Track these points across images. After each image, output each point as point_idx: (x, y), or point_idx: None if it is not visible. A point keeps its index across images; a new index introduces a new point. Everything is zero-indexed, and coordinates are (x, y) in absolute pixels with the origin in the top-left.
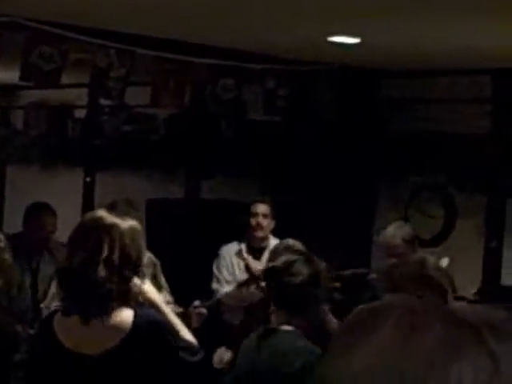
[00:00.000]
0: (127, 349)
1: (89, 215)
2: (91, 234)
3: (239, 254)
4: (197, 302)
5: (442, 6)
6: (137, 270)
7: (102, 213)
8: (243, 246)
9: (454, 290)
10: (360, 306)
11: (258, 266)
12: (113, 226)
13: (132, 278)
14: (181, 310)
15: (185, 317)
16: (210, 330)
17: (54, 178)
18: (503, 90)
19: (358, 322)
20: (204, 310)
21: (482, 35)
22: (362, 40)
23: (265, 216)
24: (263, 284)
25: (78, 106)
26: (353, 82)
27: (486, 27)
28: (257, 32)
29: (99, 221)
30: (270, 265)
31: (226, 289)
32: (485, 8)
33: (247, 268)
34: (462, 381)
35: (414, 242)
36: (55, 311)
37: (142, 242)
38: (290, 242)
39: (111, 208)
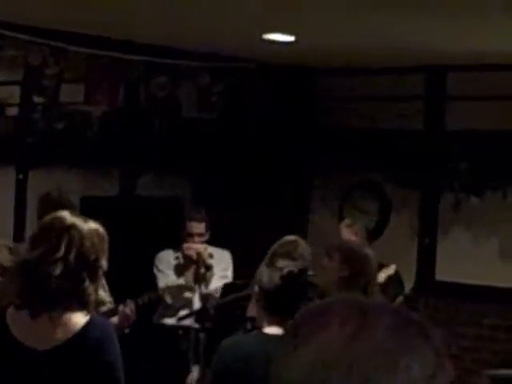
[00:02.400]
0: (71, 350)
1: (52, 215)
2: (51, 232)
3: (177, 259)
4: (129, 301)
5: (376, 4)
6: (94, 272)
7: (65, 213)
8: (179, 255)
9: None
10: (306, 306)
11: (199, 246)
12: (73, 227)
13: (87, 279)
14: (106, 309)
15: (113, 314)
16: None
17: None
18: (435, 88)
19: (306, 321)
20: (128, 312)
21: (415, 34)
22: (297, 38)
23: (200, 235)
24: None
25: (9, 103)
26: (288, 80)
27: (420, 26)
28: (191, 29)
29: (60, 220)
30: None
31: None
32: (418, 7)
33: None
34: (410, 374)
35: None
36: (7, 306)
37: (104, 245)
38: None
39: (45, 199)
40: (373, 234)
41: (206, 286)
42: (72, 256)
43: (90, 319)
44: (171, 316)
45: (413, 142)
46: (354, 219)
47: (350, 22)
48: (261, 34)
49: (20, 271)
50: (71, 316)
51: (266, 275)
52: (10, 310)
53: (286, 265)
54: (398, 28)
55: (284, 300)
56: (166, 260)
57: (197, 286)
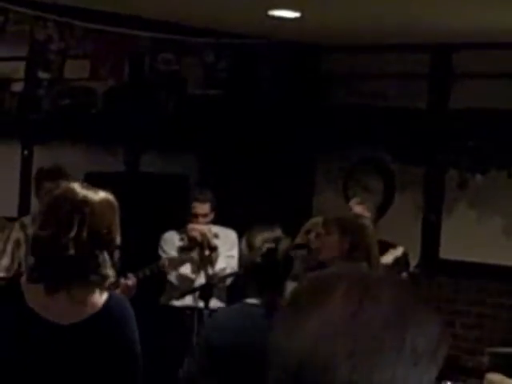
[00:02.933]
0: (93, 327)
1: (61, 187)
2: (61, 208)
3: (182, 240)
4: (129, 275)
5: None
6: (107, 247)
7: (73, 186)
8: (184, 237)
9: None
10: (307, 277)
11: (204, 227)
12: (83, 201)
13: (100, 255)
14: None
15: (115, 287)
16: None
17: None
18: (441, 66)
19: (308, 293)
20: (130, 282)
21: (421, 11)
22: (303, 14)
23: (204, 216)
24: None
25: (14, 79)
26: (293, 56)
27: (426, 3)
28: (197, 5)
29: (69, 195)
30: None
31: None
32: None
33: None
34: (417, 349)
35: None
36: (17, 276)
37: (115, 217)
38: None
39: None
40: (378, 212)
41: (212, 266)
42: (84, 234)
43: (110, 296)
44: (178, 297)
45: (418, 120)
46: (359, 197)
47: None
48: (266, 10)
49: (34, 248)
50: (90, 293)
51: (245, 252)
52: (24, 282)
53: (265, 237)
54: (405, 5)
55: (262, 276)
56: (171, 241)
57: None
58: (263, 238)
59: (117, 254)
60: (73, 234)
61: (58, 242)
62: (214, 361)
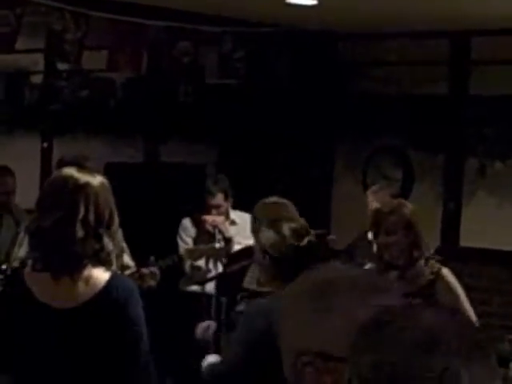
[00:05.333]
0: (96, 306)
1: (58, 174)
2: (64, 193)
3: (196, 229)
4: (151, 258)
5: None
6: (110, 227)
7: (71, 171)
8: (196, 230)
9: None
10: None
11: (216, 219)
12: (87, 185)
13: (105, 236)
14: (133, 270)
15: (139, 277)
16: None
17: (11, 144)
18: (460, 53)
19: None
20: (155, 270)
21: None
22: (320, 1)
23: (217, 207)
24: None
25: (34, 71)
26: (310, 44)
27: None
28: None
29: (72, 180)
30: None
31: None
32: None
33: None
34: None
35: None
36: (21, 267)
37: (111, 198)
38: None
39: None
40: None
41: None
42: (91, 215)
43: (112, 276)
44: (196, 283)
45: (437, 107)
46: (377, 185)
47: None
48: None
49: (35, 238)
50: (93, 274)
51: (272, 241)
52: (28, 272)
53: (293, 228)
54: None
55: (294, 268)
56: (187, 228)
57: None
58: (293, 228)
59: (120, 236)
60: (81, 216)
61: (65, 226)
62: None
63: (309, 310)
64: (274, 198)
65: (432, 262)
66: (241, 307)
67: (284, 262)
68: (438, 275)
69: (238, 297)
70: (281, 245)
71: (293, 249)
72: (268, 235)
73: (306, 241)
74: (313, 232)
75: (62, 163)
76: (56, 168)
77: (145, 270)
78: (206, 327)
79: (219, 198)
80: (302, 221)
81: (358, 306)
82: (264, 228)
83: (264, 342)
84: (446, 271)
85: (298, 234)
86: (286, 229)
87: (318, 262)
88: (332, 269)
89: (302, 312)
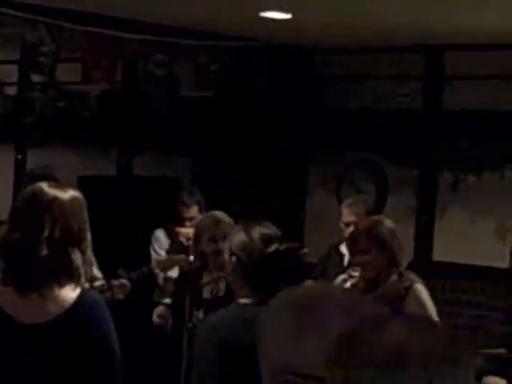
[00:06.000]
0: (64, 324)
1: (29, 188)
2: (31, 209)
3: (170, 240)
4: (120, 271)
5: None
6: (79, 243)
7: (41, 186)
8: (171, 241)
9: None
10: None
11: (190, 231)
12: (54, 200)
13: (73, 252)
14: (99, 284)
15: (108, 289)
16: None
17: None
18: (433, 67)
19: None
20: (125, 282)
21: (414, 12)
22: (294, 15)
23: (191, 219)
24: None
25: (8, 82)
26: (286, 58)
27: (418, 4)
28: (189, 7)
29: (39, 195)
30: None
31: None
32: None
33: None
34: None
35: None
36: None
37: (84, 213)
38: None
39: (30, 175)
40: (371, 213)
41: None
42: (57, 232)
43: (81, 293)
44: (171, 296)
45: (411, 121)
46: (351, 199)
47: (347, 0)
48: (258, 12)
49: (4, 251)
50: (61, 291)
51: (241, 243)
52: None
53: (264, 233)
54: (397, 6)
55: (260, 273)
56: (160, 240)
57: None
58: (264, 234)
59: (89, 250)
60: (46, 233)
61: (30, 242)
62: (230, 358)
63: (291, 327)
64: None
65: (411, 276)
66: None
67: (249, 266)
68: (409, 290)
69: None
70: (248, 247)
71: (258, 253)
72: (238, 237)
73: (273, 248)
74: (285, 245)
75: (31, 176)
76: (25, 180)
77: (115, 282)
78: (160, 312)
79: (194, 211)
80: (276, 230)
81: (339, 324)
82: (236, 230)
83: (230, 351)
84: (418, 286)
85: (267, 239)
86: (257, 233)
87: (288, 274)
88: (313, 287)
89: (285, 328)
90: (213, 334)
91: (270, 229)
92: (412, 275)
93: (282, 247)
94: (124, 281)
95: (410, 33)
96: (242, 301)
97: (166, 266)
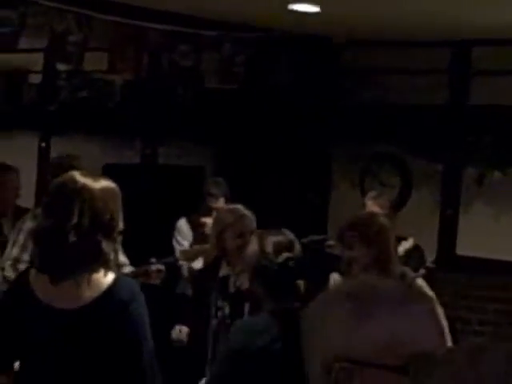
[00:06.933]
0: (99, 308)
1: (62, 177)
2: (61, 197)
3: (193, 230)
4: (153, 260)
5: None
6: (110, 232)
7: (73, 174)
8: (194, 233)
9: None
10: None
11: None
12: (83, 189)
13: (103, 240)
14: (136, 268)
15: (144, 275)
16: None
17: (9, 143)
18: (460, 62)
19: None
20: (162, 266)
21: (441, 7)
22: (322, 9)
23: (217, 210)
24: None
25: (33, 71)
26: (312, 51)
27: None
28: None
29: (69, 183)
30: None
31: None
32: None
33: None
34: None
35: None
36: (30, 266)
37: (117, 203)
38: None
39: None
40: (395, 207)
41: None
42: (86, 220)
43: (116, 278)
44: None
45: (436, 116)
46: (374, 192)
47: None
48: (286, 4)
49: (37, 239)
50: (95, 276)
51: (253, 252)
52: (33, 272)
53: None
54: (426, 1)
55: (269, 282)
56: (183, 231)
57: None
58: (276, 242)
59: (120, 239)
60: (74, 221)
61: (60, 230)
62: (252, 364)
63: (347, 315)
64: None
65: (408, 272)
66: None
67: (260, 274)
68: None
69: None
70: (259, 257)
71: (268, 262)
72: (252, 248)
73: (284, 256)
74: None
75: (52, 165)
76: (49, 170)
77: (152, 267)
78: (178, 330)
79: (221, 202)
80: (290, 236)
81: (396, 316)
82: (251, 241)
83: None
84: (419, 281)
85: (278, 248)
86: (270, 242)
87: (312, 269)
88: (366, 279)
89: (340, 316)
90: (249, 342)
91: (284, 236)
92: (409, 271)
93: (295, 256)
94: (160, 266)
95: (436, 27)
96: (268, 309)
97: (191, 255)
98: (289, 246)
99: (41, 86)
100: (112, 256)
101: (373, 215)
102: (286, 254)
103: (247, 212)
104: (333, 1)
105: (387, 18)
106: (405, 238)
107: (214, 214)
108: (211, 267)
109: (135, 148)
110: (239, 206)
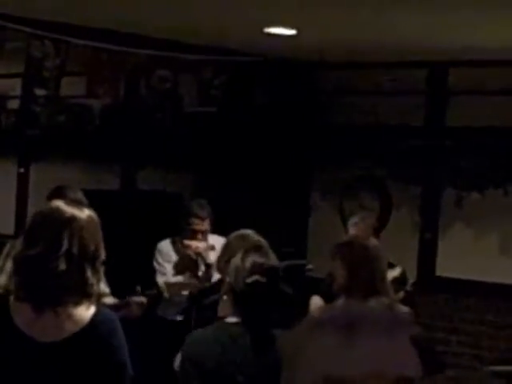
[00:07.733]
0: (79, 343)
1: (47, 206)
2: (50, 225)
3: (177, 253)
4: (138, 288)
5: None
6: (94, 263)
7: (59, 204)
8: (178, 253)
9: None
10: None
11: (199, 245)
12: (72, 219)
13: (88, 270)
14: (118, 300)
15: (126, 306)
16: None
17: None
18: (437, 83)
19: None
20: (143, 299)
21: (416, 29)
22: (299, 31)
23: (203, 232)
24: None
25: (11, 96)
26: (289, 73)
27: (422, 21)
28: (193, 22)
29: (58, 212)
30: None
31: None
32: (420, 1)
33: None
34: None
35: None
36: (6, 294)
37: (99, 233)
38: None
39: (58, 195)
40: (374, 230)
41: (209, 282)
42: (74, 249)
43: (97, 312)
44: (173, 310)
45: (414, 138)
46: (355, 214)
47: (351, 16)
48: (262, 28)
49: (20, 267)
50: (77, 309)
51: (233, 269)
52: (12, 300)
53: (256, 263)
54: (400, 23)
55: (249, 301)
56: (166, 253)
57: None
58: (255, 263)
59: (102, 269)
60: (64, 249)
61: (48, 258)
62: (200, 375)
63: (332, 341)
64: (249, 231)
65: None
66: None
67: (235, 291)
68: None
69: None
70: (238, 274)
71: (241, 282)
72: (235, 262)
73: (253, 278)
74: (286, 263)
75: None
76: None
77: (134, 299)
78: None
79: (207, 224)
80: (272, 259)
81: (381, 342)
82: (237, 254)
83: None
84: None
85: (254, 269)
86: (250, 260)
87: (270, 303)
88: (349, 305)
89: (325, 342)
90: (191, 350)
91: (266, 258)
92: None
93: (261, 279)
94: (142, 298)
95: (413, 48)
96: (229, 319)
97: (175, 290)
98: (266, 271)
99: (19, 112)
100: (95, 287)
101: (359, 240)
102: (256, 277)
103: (259, 237)
104: (309, 24)
105: (362, 41)
106: (392, 266)
107: (199, 236)
108: (215, 292)
109: (114, 173)
110: (250, 231)
